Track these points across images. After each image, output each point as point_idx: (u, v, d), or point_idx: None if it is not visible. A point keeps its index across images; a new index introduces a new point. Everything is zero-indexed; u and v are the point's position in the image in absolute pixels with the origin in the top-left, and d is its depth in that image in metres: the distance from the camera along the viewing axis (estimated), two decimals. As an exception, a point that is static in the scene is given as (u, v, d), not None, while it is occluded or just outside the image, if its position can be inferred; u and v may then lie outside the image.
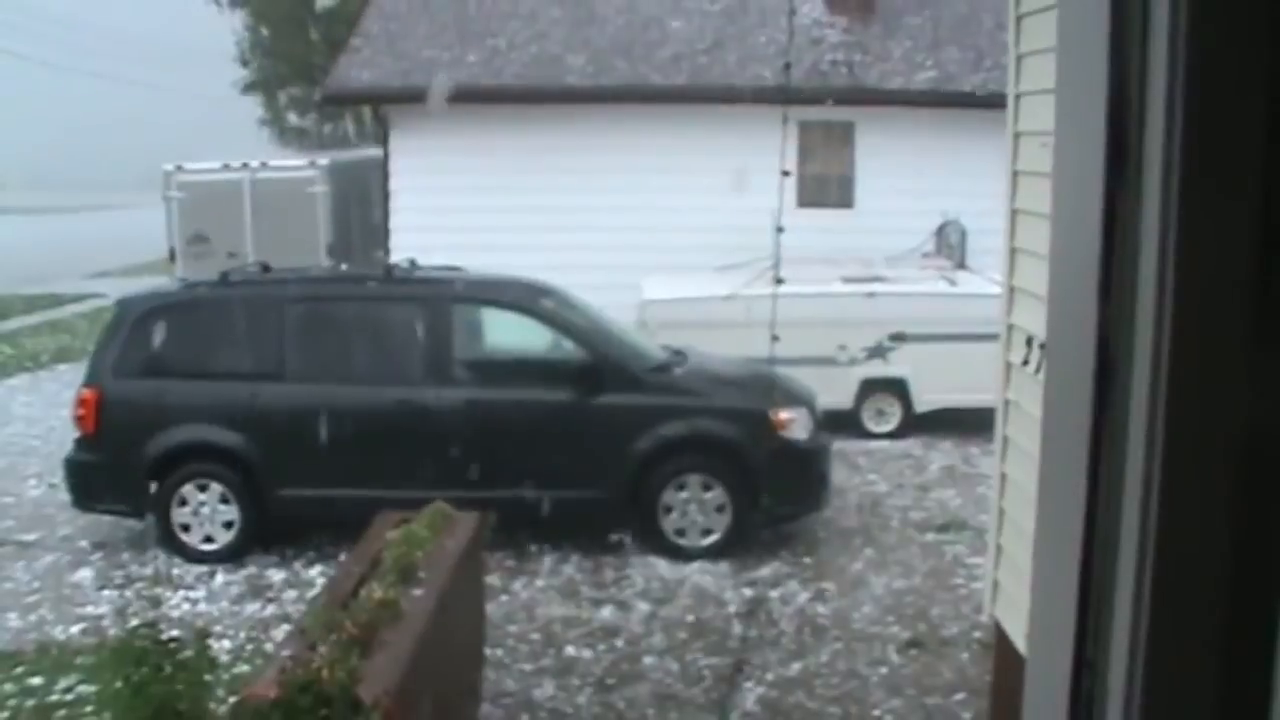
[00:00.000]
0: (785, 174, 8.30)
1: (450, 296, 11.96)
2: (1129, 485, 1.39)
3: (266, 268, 12.90)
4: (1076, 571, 1.46)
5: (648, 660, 9.40)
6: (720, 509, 11.48)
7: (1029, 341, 7.08)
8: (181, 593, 10.89)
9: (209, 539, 11.61)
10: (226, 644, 9.61)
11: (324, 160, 22.79)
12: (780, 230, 7.17)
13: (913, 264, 17.05)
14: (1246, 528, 1.36)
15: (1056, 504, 1.55)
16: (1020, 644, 7.02)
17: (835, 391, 14.60)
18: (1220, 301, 1.34)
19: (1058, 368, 1.59)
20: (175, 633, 8.02)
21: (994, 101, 9.98)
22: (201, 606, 10.59)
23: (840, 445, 13.57)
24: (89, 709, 8.57)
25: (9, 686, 9.13)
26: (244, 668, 9.14)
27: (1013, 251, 7.50)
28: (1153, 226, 1.35)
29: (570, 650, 9.59)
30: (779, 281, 8.44)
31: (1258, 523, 1.36)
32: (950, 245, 17.89)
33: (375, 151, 21.65)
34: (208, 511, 11.61)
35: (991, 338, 8.29)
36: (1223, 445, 1.35)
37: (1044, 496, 1.63)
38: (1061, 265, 1.56)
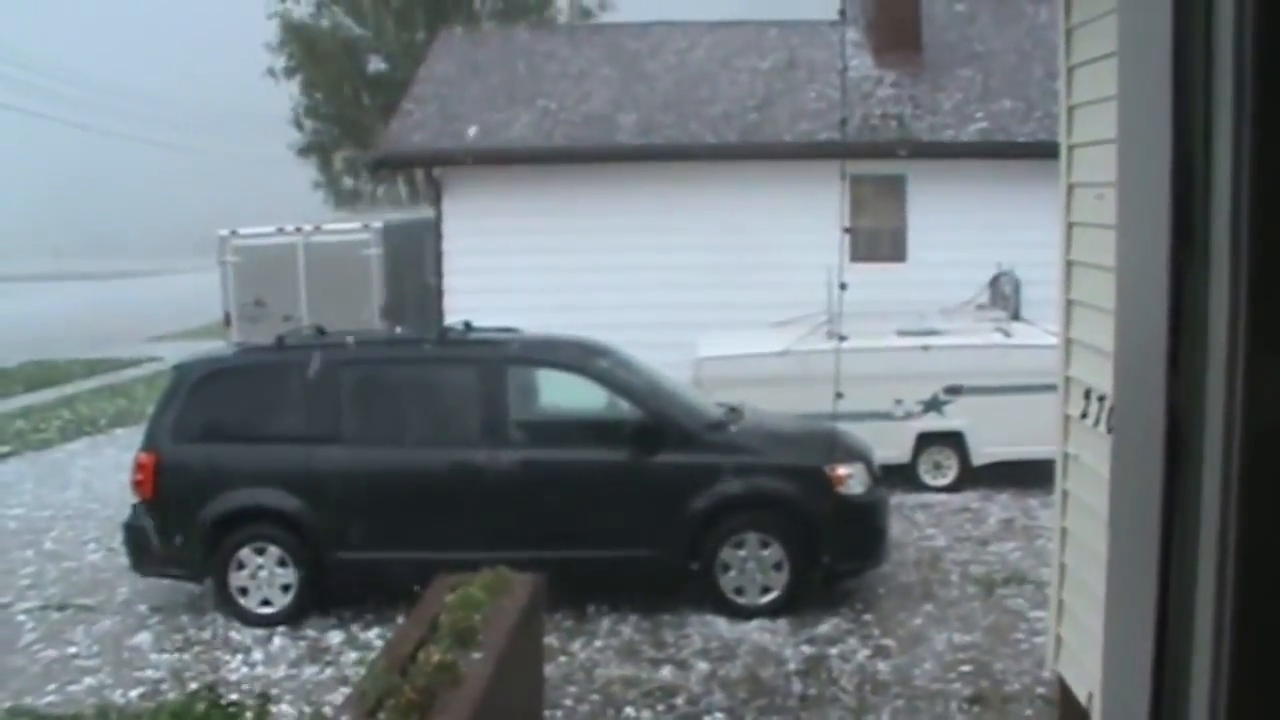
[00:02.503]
0: (847, 231, 8.31)
1: (505, 358, 11.98)
2: (1204, 552, 1.36)
3: (322, 331, 12.97)
4: (1152, 638, 1.43)
5: (707, 720, 9.34)
6: (778, 566, 11.41)
7: (1087, 394, 7.03)
8: (239, 656, 10.91)
9: (267, 602, 11.64)
10: (285, 707, 9.61)
11: (377, 223, 22.90)
12: (844, 287, 7.16)
13: (967, 316, 16.96)
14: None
15: (1129, 571, 1.52)
16: (1083, 698, 6.93)
17: (892, 445, 14.54)
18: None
19: (1127, 434, 1.56)
20: (234, 696, 8.06)
21: (1046, 151, 9.91)
22: (260, 670, 10.59)
23: (898, 499, 13.50)
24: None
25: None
26: (303, 732, 9.14)
27: (1069, 304, 7.46)
28: (1222, 291, 1.33)
29: (629, 711, 9.53)
30: (842, 338, 8.42)
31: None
32: (1004, 296, 17.78)
33: (428, 213, 21.77)
34: (265, 575, 11.65)
35: (1048, 389, 8.24)
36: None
37: (1114, 564, 1.60)
38: (1128, 330, 1.54)
